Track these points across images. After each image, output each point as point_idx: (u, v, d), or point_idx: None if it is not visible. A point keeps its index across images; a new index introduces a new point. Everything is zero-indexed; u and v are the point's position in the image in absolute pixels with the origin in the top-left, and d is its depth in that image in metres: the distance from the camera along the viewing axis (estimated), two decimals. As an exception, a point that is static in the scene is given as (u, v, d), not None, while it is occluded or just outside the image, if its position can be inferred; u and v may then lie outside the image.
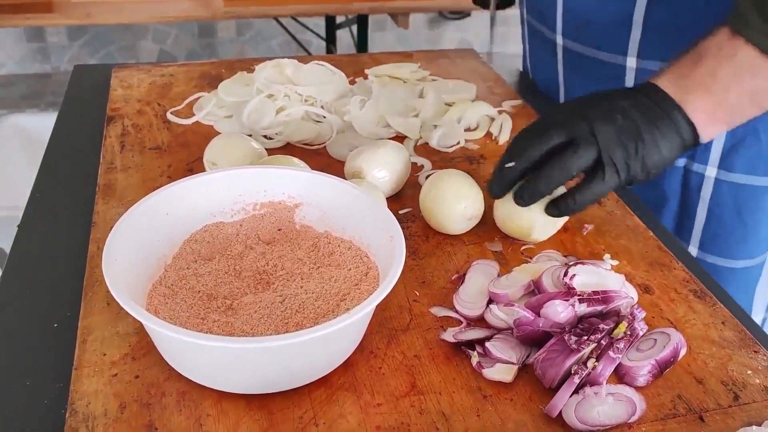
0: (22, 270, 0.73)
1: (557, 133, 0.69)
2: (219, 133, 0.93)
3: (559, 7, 0.97)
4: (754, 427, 0.55)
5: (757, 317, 1.00)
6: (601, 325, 0.61)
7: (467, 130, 0.98)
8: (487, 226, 0.78)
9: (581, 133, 0.68)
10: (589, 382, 0.58)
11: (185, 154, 0.91)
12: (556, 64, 1.03)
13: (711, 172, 0.91)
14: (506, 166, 0.71)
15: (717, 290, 0.72)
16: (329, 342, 0.57)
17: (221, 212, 0.70)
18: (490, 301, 0.67)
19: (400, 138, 0.96)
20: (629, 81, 0.93)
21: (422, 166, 0.90)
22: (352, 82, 1.09)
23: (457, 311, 0.67)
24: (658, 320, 0.67)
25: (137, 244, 0.63)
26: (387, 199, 0.78)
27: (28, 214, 0.82)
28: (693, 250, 0.96)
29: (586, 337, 0.59)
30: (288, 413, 0.56)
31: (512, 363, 0.60)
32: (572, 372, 0.58)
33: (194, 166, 0.88)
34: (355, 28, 2.56)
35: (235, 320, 0.60)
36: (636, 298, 0.68)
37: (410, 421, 0.56)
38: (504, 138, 0.97)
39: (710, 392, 0.60)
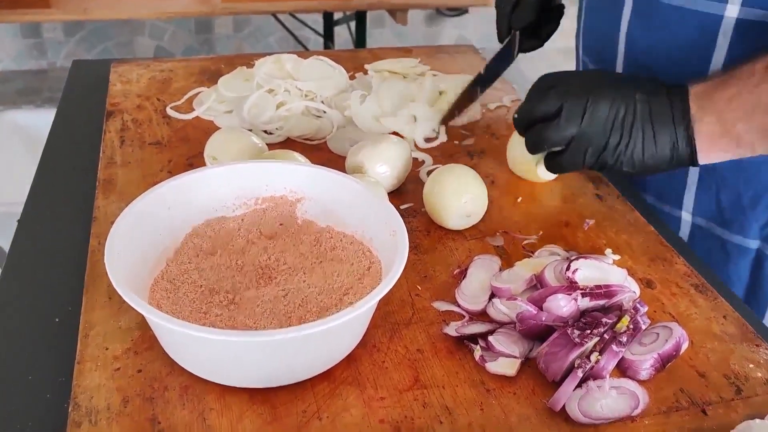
0: (23, 266, 0.73)
1: (554, 101, 0.71)
2: (219, 128, 0.93)
3: (621, 44, 0.88)
4: (756, 420, 0.55)
5: None
6: (604, 319, 0.61)
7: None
8: (488, 221, 0.78)
9: (573, 107, 0.69)
10: (592, 375, 0.58)
11: (185, 149, 0.91)
12: None
13: None
14: (514, 116, 0.76)
15: (718, 285, 0.73)
16: (332, 336, 0.57)
17: (223, 207, 0.70)
18: (492, 296, 0.67)
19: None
20: None
21: (423, 162, 0.90)
22: (351, 78, 1.08)
23: (459, 305, 0.67)
24: (660, 314, 0.67)
25: (139, 239, 0.62)
26: (388, 194, 0.78)
27: (27, 209, 0.81)
28: None
29: (589, 331, 0.59)
30: (291, 407, 0.56)
31: (515, 357, 0.60)
32: (575, 366, 0.58)
33: (194, 161, 0.88)
34: (353, 24, 2.55)
35: (237, 314, 0.60)
36: (638, 293, 0.68)
37: (414, 414, 0.56)
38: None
39: (712, 386, 0.60)
